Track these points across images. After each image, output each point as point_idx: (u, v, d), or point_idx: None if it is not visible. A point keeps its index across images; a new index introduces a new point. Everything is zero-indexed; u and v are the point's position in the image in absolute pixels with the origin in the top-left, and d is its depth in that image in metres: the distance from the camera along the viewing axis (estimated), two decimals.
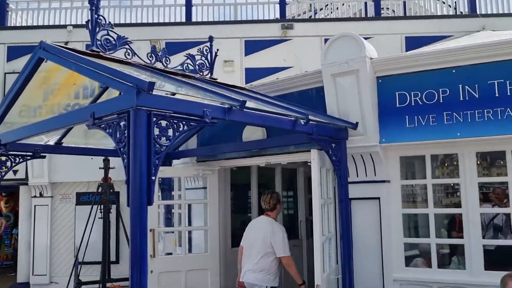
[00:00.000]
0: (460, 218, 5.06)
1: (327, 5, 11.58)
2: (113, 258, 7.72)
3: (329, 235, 4.78)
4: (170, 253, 6.01)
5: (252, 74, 9.69)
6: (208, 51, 5.28)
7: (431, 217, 4.70)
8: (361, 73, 4.62)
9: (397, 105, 4.60)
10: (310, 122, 4.16)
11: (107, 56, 4.19)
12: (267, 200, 5.14)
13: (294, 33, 10.16)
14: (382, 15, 10.70)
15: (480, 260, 4.41)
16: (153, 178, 2.96)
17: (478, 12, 10.03)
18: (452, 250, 5.48)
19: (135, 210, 2.91)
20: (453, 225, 5.83)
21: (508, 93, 4.17)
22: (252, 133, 5.51)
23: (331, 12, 11.56)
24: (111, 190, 7.19)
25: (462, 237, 4.83)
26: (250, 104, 3.68)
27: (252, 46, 10.16)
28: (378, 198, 4.78)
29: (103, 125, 3.20)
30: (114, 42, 4.31)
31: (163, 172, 5.45)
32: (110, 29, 4.36)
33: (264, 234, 4.95)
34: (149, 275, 2.96)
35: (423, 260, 5.03)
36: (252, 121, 3.91)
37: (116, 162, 7.03)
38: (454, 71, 4.39)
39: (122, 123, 3.04)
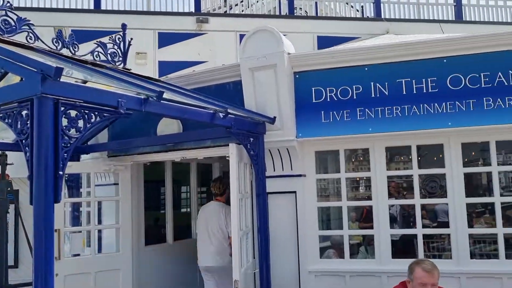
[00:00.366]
0: (367, 210, 5.32)
1: (242, 1, 11.59)
2: (11, 262, 7.09)
3: (246, 230, 4.75)
4: (78, 254, 5.64)
5: (166, 67, 9.38)
6: (121, 39, 5.00)
7: (344, 209, 4.85)
8: (278, 67, 4.64)
9: (314, 101, 4.69)
10: (229, 115, 4.10)
11: (6, 39, 3.79)
12: (217, 186, 5.66)
13: (209, 27, 10.01)
14: (295, 15, 10.94)
15: (388, 249, 4.64)
16: (61, 173, 2.71)
17: (383, 17, 10.65)
18: (360, 240, 5.78)
19: (39, 208, 2.65)
20: (360, 217, 6.18)
21: (414, 91, 4.43)
22: (167, 127, 5.31)
23: (246, 8, 11.60)
24: (9, 189, 6.60)
25: (367, 228, 5.09)
26: (167, 95, 3.53)
27: (166, 39, 9.85)
28: (295, 192, 4.85)
29: (1, 115, 2.87)
30: (13, 25, 3.93)
31: (71, 167, 5.07)
32: (9, 9, 3.96)
33: (218, 219, 5.41)
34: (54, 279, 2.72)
35: (334, 251, 5.21)
36: (170, 113, 3.76)
37: (14, 158, 6.44)
38: (366, 69, 4.58)
39: (24, 112, 2.75)
